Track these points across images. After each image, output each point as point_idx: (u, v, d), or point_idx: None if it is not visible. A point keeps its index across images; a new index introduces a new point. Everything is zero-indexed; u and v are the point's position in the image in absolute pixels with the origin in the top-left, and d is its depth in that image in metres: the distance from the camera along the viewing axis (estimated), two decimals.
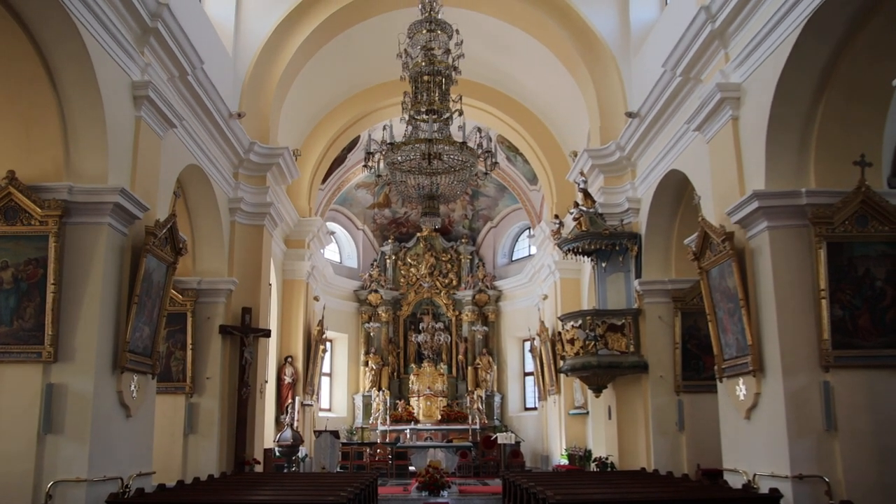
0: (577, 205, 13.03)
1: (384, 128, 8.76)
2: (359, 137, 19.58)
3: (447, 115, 8.74)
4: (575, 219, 12.95)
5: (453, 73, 8.80)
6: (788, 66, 7.65)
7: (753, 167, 8.35)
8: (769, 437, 7.85)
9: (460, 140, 8.43)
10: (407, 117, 8.81)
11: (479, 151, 8.58)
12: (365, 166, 8.53)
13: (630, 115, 12.14)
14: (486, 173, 8.82)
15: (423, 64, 8.65)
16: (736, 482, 8.32)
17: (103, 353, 7.72)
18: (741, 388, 8.40)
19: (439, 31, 8.76)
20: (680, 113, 10.80)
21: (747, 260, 8.34)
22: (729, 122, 8.84)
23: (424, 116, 8.47)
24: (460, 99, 8.88)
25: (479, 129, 8.92)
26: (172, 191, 9.31)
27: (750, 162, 8.47)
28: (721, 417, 9.13)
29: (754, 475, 8.03)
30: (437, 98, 8.61)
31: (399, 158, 8.37)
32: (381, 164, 8.57)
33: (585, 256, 13.55)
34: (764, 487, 7.67)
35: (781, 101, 7.86)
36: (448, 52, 8.85)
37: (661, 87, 10.96)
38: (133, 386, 8.32)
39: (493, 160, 8.56)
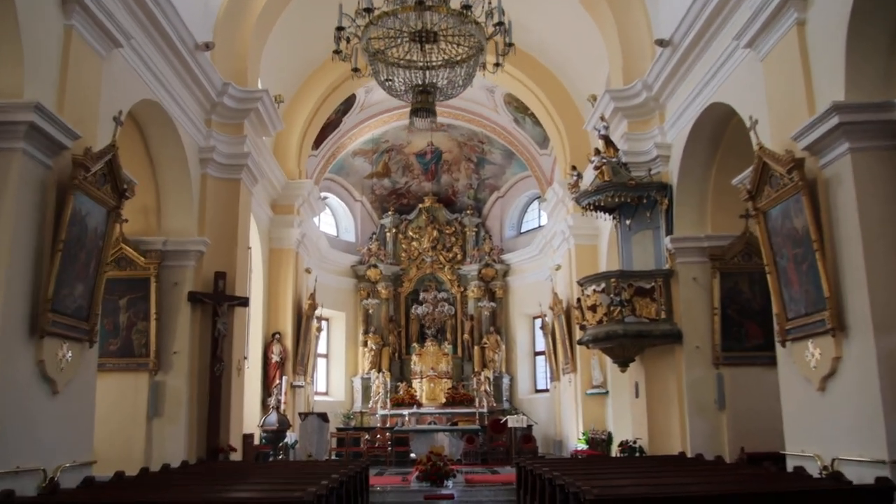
0: (598, 152, 11.37)
1: None
2: (354, 97, 17.91)
3: None
4: (596, 168, 11.28)
5: None
6: None
7: (827, 79, 6.72)
8: (854, 413, 6.27)
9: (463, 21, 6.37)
10: None
11: (491, 27, 6.70)
12: (335, 52, 6.77)
13: (660, 42, 10.44)
14: (496, 64, 7.03)
15: None
16: (808, 469, 6.73)
17: (14, 312, 6.16)
18: (813, 352, 6.79)
19: None
20: (722, 34, 9.17)
21: (821, 193, 6.74)
22: (793, 27, 7.19)
23: None
24: None
25: None
26: (113, 117, 7.65)
27: (822, 73, 6.83)
28: (783, 390, 7.53)
29: (832, 460, 6.46)
30: None
31: (380, 34, 6.49)
32: (358, 45, 6.75)
33: (607, 213, 11.94)
34: (849, 475, 6.07)
35: None
36: None
37: (700, 6, 9.31)
38: (61, 355, 6.74)
39: (508, 40, 6.73)
